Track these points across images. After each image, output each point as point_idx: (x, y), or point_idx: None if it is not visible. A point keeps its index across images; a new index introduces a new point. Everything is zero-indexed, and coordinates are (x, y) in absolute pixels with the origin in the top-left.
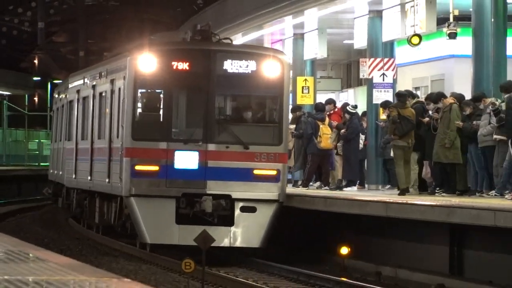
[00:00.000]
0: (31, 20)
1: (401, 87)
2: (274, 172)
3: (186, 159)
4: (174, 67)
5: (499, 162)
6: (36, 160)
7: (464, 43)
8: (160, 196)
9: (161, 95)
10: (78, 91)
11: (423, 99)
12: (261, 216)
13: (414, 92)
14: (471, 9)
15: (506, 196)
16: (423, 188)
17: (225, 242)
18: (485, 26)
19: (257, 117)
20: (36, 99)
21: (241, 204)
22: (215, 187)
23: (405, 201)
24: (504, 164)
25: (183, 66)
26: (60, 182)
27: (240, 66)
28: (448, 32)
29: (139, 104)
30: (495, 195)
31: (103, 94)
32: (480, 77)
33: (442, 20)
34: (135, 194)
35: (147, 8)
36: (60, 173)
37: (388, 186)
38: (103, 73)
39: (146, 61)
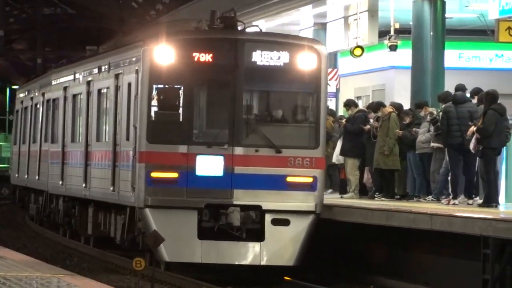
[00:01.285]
0: None
1: (344, 96)
2: (310, 180)
3: (210, 165)
4: (196, 59)
5: (436, 169)
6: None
7: (404, 55)
8: (179, 207)
9: (181, 91)
10: (65, 88)
11: (365, 108)
12: (295, 229)
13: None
14: (411, 23)
15: (442, 201)
16: (364, 192)
17: (254, 260)
18: (424, 39)
19: (290, 116)
20: None
21: (272, 216)
22: (242, 197)
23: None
24: (441, 170)
25: (206, 57)
26: (31, 186)
27: (271, 58)
28: (389, 44)
29: (155, 102)
30: (432, 200)
31: (103, 91)
32: (419, 88)
33: (383, 33)
34: (151, 205)
35: (102, 17)
36: (26, 176)
37: (330, 191)
38: (103, 67)
39: (164, 52)
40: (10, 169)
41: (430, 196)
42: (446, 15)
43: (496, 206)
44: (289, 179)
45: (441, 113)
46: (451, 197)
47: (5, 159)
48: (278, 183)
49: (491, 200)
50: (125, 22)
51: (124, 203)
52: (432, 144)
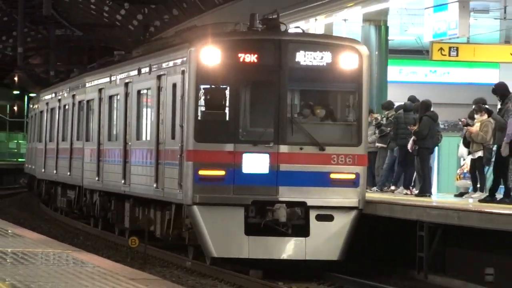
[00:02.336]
0: (12, 46)
1: None
2: (353, 176)
3: (256, 163)
4: (241, 60)
5: (380, 164)
6: (15, 157)
7: None
8: (227, 204)
9: (227, 91)
10: (100, 90)
11: None
12: (339, 225)
13: None
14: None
15: (385, 188)
16: None
17: (300, 255)
18: (371, 57)
19: (333, 114)
20: (15, 108)
21: (316, 212)
22: (288, 194)
23: None
24: (384, 166)
25: (251, 58)
26: (61, 181)
27: (314, 58)
28: None
29: (202, 102)
30: (376, 190)
31: (143, 92)
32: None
33: None
34: (199, 202)
35: (104, 38)
36: (55, 171)
37: None
38: (143, 69)
39: (210, 54)
40: (25, 163)
41: (375, 187)
42: (389, 37)
43: (429, 196)
44: (332, 175)
45: (384, 119)
46: (392, 187)
47: (24, 155)
48: (322, 180)
49: (425, 191)
50: (123, 41)
51: (170, 200)
52: (376, 144)
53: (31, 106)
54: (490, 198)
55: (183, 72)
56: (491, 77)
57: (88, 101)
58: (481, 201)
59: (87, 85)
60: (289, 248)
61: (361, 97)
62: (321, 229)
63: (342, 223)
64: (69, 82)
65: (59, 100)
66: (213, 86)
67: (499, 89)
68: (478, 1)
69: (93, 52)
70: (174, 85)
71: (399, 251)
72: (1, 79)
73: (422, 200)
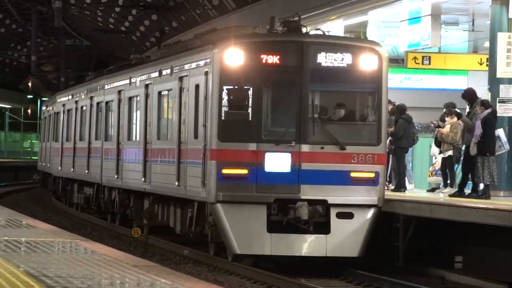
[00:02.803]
0: (27, 54)
1: None
2: (372, 175)
3: (278, 162)
4: (264, 61)
5: None
6: (28, 155)
7: None
8: (249, 202)
9: (250, 92)
10: (120, 92)
11: None
12: (359, 222)
13: None
14: None
15: None
16: None
17: (321, 252)
18: None
19: (353, 114)
20: (29, 111)
21: (337, 210)
22: (309, 192)
23: None
24: None
25: (273, 59)
26: (78, 178)
27: (335, 59)
28: None
29: (226, 102)
30: None
31: (164, 93)
32: None
33: None
34: (222, 200)
35: (109, 47)
36: (72, 169)
37: None
38: (164, 71)
39: (233, 55)
40: (38, 161)
41: None
42: None
43: (404, 191)
44: (353, 174)
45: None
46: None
47: (37, 153)
48: (342, 179)
49: (400, 186)
50: (127, 50)
51: (192, 198)
52: None
53: (44, 108)
54: (459, 193)
55: (206, 73)
56: (460, 83)
57: (107, 103)
58: (451, 195)
59: (106, 87)
60: (311, 245)
61: (381, 98)
62: (342, 227)
63: (362, 220)
64: (86, 85)
65: (76, 102)
66: (236, 87)
67: (468, 94)
68: (448, 14)
69: (99, 59)
70: (197, 86)
71: (383, 242)
72: (16, 85)
73: (398, 195)
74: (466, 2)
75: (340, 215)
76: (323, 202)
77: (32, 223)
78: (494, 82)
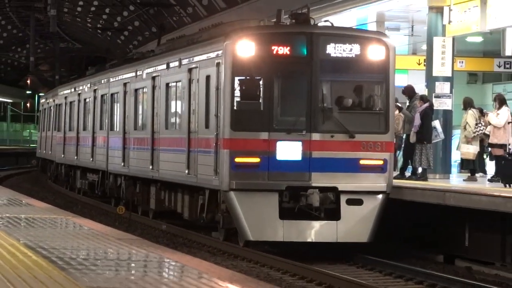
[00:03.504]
0: (26, 56)
1: None
2: (381, 162)
3: (289, 150)
4: (274, 52)
5: None
6: (27, 143)
7: None
8: (262, 190)
9: (261, 82)
10: (125, 84)
11: None
12: (368, 209)
13: None
14: None
15: None
16: None
17: (332, 237)
18: None
19: (362, 104)
20: (28, 105)
21: (347, 196)
22: (320, 179)
23: None
24: None
25: (284, 50)
26: (83, 166)
27: (344, 50)
28: None
29: (238, 92)
30: None
31: (172, 84)
32: None
33: None
34: (236, 188)
35: (97, 49)
36: (75, 157)
37: None
38: (171, 64)
39: (245, 46)
40: (37, 148)
41: None
42: None
43: None
44: (362, 162)
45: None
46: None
47: (34, 141)
48: (352, 166)
49: None
50: (112, 52)
51: (203, 186)
52: None
53: (44, 101)
54: (401, 176)
55: (217, 65)
56: (402, 81)
57: (112, 95)
58: (394, 178)
59: (111, 80)
60: (322, 231)
61: (388, 87)
62: (352, 213)
63: (371, 206)
64: (89, 78)
65: (79, 95)
66: (248, 77)
67: (408, 90)
68: (391, 21)
69: (89, 59)
70: (208, 77)
71: None
72: (16, 82)
73: None
74: (406, 10)
75: (350, 202)
76: (333, 189)
77: (30, 202)
78: (431, 80)
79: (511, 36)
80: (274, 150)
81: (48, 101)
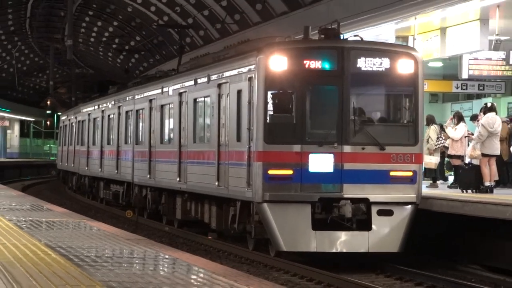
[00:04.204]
0: (46, 80)
1: None
2: (410, 174)
3: (321, 162)
4: (306, 66)
5: None
6: (47, 156)
7: None
8: (294, 201)
9: (293, 96)
10: (151, 100)
11: None
12: (398, 219)
13: None
14: None
15: None
16: None
17: (363, 248)
18: None
19: (392, 116)
20: (48, 123)
21: (377, 207)
22: (351, 191)
23: None
24: None
25: (316, 64)
26: (107, 177)
27: (374, 64)
28: None
29: (271, 106)
30: None
31: (200, 100)
32: None
33: None
34: (269, 200)
35: (107, 74)
36: (100, 170)
37: None
38: (199, 80)
39: (277, 61)
40: (56, 160)
41: None
42: None
43: None
44: (392, 173)
45: None
46: None
47: (54, 154)
48: (382, 177)
49: None
50: (122, 77)
51: (235, 197)
52: None
53: (65, 118)
54: None
55: (249, 79)
56: None
57: (137, 111)
58: None
59: (137, 97)
60: (353, 242)
61: (417, 100)
62: (382, 223)
63: (401, 217)
64: (113, 96)
65: (103, 111)
66: (280, 91)
67: None
68: None
69: (101, 83)
70: (239, 92)
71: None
72: (38, 103)
73: None
74: (376, 38)
75: (380, 212)
76: (365, 200)
77: (50, 207)
78: None
79: (467, 61)
80: (306, 162)
81: (69, 118)
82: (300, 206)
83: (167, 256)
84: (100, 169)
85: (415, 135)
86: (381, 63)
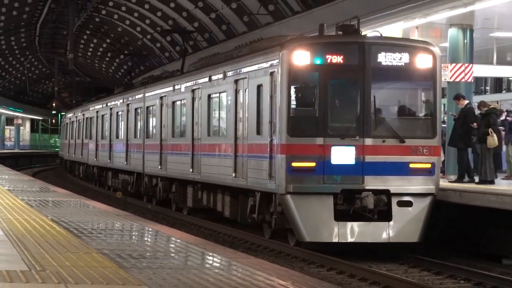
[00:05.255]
0: (52, 86)
1: None
2: (429, 165)
3: (343, 155)
4: (328, 61)
5: None
6: (53, 148)
7: None
8: (317, 193)
9: (316, 90)
10: (162, 98)
11: None
12: (418, 210)
13: None
14: None
15: None
16: None
17: (384, 238)
18: None
19: (411, 110)
20: (53, 121)
21: (397, 198)
22: (373, 182)
23: None
24: None
25: (337, 59)
26: (116, 168)
27: (394, 59)
28: None
29: (294, 100)
30: None
31: (214, 95)
32: None
33: None
34: (293, 191)
35: (103, 81)
36: (109, 161)
37: None
38: (214, 76)
39: (301, 55)
40: (59, 151)
41: None
42: None
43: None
44: (411, 165)
45: None
46: None
47: (57, 147)
48: (402, 169)
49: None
50: (115, 83)
51: (254, 188)
52: None
53: (71, 115)
54: None
55: (271, 74)
56: None
57: (147, 107)
58: None
59: (147, 94)
60: (375, 232)
61: (436, 94)
62: (402, 214)
63: (420, 208)
64: (121, 95)
65: (111, 109)
66: (303, 85)
67: None
68: None
69: (97, 89)
70: (259, 86)
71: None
72: (45, 105)
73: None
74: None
75: (400, 203)
76: (385, 192)
77: (55, 190)
78: None
79: None
80: (329, 155)
81: (76, 115)
82: (323, 197)
83: (150, 229)
84: (109, 160)
85: (434, 128)
86: (400, 58)
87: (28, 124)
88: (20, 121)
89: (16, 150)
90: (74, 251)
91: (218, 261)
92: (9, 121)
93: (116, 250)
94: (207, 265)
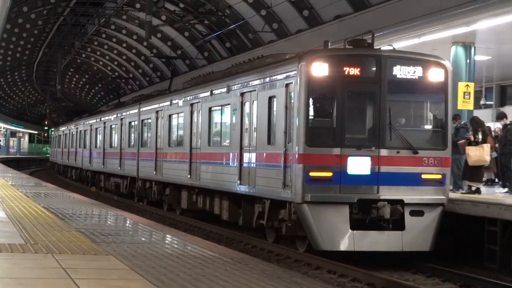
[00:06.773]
0: (44, 109)
1: None
2: (440, 176)
3: (359, 165)
4: (346, 73)
5: None
6: (45, 154)
7: None
8: (334, 202)
9: (333, 101)
10: (157, 112)
11: None
12: (429, 219)
13: None
14: None
15: None
16: None
17: (398, 247)
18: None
19: (424, 122)
20: (46, 134)
21: (410, 208)
22: (387, 192)
23: None
24: None
25: (355, 71)
26: (110, 173)
27: (408, 72)
28: None
29: (311, 111)
30: None
31: (216, 108)
32: None
33: None
34: (310, 201)
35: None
36: (102, 166)
37: None
38: (216, 91)
39: (319, 67)
40: (50, 157)
41: None
42: None
43: None
44: (423, 176)
45: None
46: None
47: (47, 153)
48: (415, 180)
49: None
50: (91, 107)
51: (263, 196)
52: None
53: (64, 128)
54: None
55: (287, 86)
56: None
57: (142, 120)
58: None
59: (142, 109)
60: (389, 241)
61: (447, 106)
62: (414, 224)
63: (431, 217)
64: (115, 110)
65: (104, 122)
66: (321, 96)
67: None
68: None
69: (78, 112)
70: (271, 98)
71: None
72: (39, 123)
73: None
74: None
75: (413, 213)
76: (399, 202)
77: (46, 185)
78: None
79: None
80: (345, 165)
81: (69, 128)
82: (339, 206)
83: (114, 214)
84: (102, 166)
85: (444, 139)
86: (414, 71)
87: (27, 136)
88: (21, 134)
89: (17, 156)
90: (59, 229)
91: (165, 237)
92: (13, 134)
93: (90, 229)
94: (157, 240)
